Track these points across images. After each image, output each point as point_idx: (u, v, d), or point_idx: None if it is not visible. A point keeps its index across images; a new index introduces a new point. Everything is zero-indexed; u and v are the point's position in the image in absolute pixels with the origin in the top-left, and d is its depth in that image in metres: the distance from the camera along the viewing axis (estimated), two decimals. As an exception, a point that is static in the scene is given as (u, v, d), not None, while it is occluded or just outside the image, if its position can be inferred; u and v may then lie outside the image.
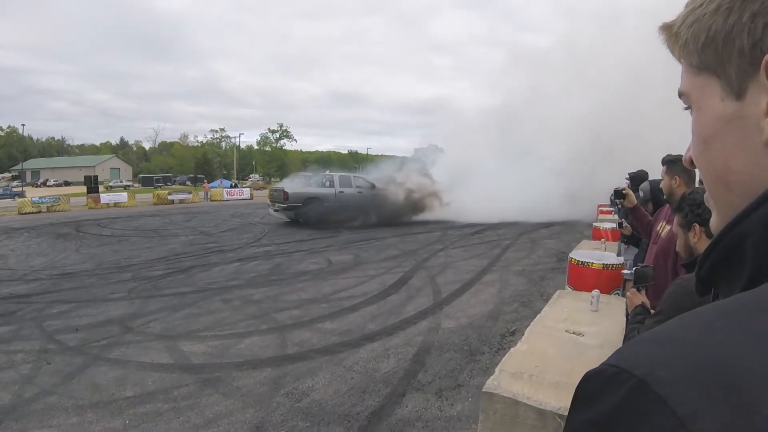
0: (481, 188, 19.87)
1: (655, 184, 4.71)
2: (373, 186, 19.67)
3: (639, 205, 4.08)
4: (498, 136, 22.88)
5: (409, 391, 4.30)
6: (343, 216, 17.01)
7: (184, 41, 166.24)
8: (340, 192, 18.62)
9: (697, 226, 2.06)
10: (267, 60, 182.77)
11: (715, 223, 0.50)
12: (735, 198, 0.45)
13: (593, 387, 0.35)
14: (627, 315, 3.77)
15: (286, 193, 17.92)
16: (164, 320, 6.28)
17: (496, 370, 2.80)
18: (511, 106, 23.64)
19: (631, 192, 4.09)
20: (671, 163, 3.39)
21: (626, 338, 2.30)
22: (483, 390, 2.59)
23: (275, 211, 18.49)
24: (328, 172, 22.43)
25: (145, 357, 5.06)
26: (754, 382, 0.29)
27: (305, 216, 17.53)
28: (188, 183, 64.58)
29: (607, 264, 4.91)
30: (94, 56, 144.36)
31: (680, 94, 0.51)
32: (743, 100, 0.43)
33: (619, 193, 4.13)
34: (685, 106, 0.50)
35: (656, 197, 4.57)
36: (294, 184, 19.88)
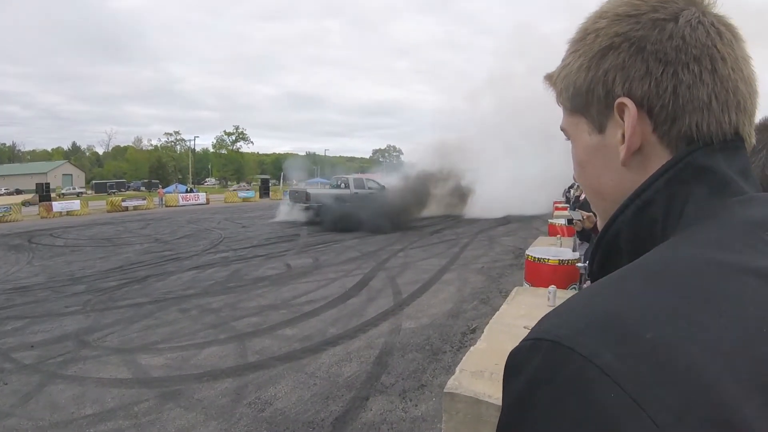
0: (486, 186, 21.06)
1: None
2: (383, 187, 20.90)
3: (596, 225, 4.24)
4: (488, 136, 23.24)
5: (372, 395, 4.30)
6: (360, 217, 16.94)
7: (138, 42, 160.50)
8: (354, 193, 19.89)
9: None
10: (224, 61, 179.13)
11: (600, 221, 0.62)
12: (608, 205, 0.58)
13: (517, 360, 0.41)
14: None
15: (308, 195, 19.37)
16: (121, 333, 6.07)
17: (457, 369, 2.83)
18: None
19: (582, 218, 4.24)
20: None
21: None
22: (445, 390, 2.61)
23: (302, 209, 19.49)
24: (342, 175, 23.92)
25: (103, 372, 4.88)
26: (633, 317, 0.37)
27: (325, 215, 18.10)
28: (143, 188, 62.65)
29: (562, 260, 5.04)
30: (46, 57, 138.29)
31: (562, 130, 0.64)
32: (604, 134, 0.56)
33: (570, 222, 4.34)
34: (566, 138, 0.63)
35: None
36: (313, 187, 22.33)
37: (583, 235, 4.96)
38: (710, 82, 0.50)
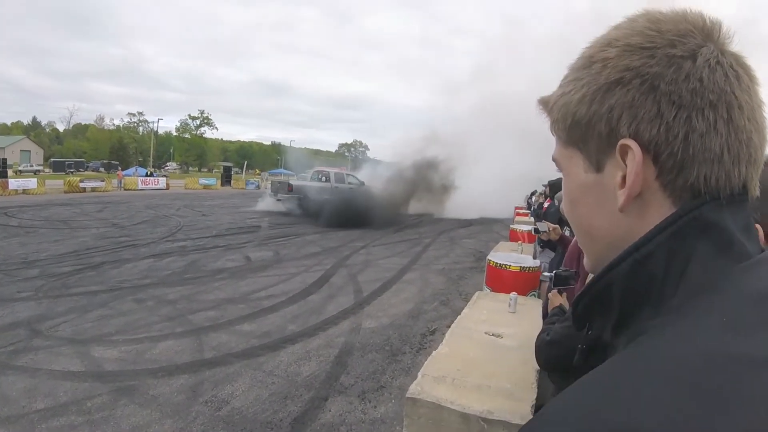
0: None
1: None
2: (362, 183, 21.38)
3: (564, 235, 4.35)
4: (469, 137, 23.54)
5: (331, 395, 4.28)
6: (339, 209, 17.01)
7: (107, 17, 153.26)
8: (335, 187, 20.32)
9: None
10: (194, 42, 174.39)
11: (587, 263, 0.60)
12: (599, 247, 0.56)
13: None
14: (544, 315, 4.00)
15: (290, 185, 20.07)
16: (74, 323, 5.84)
17: (419, 374, 2.82)
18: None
19: (549, 227, 4.34)
20: (553, 185, 3.66)
21: (541, 333, 2.43)
22: (407, 395, 2.60)
23: (278, 200, 20.40)
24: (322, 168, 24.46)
25: (55, 364, 4.68)
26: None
27: (304, 206, 18.96)
28: (102, 170, 60.43)
29: (524, 267, 5.11)
30: (10, 26, 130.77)
31: (553, 160, 0.60)
32: (602, 173, 0.52)
33: (536, 231, 4.43)
34: (557, 169, 0.60)
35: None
36: (296, 179, 22.93)
37: (548, 244, 5.06)
38: (724, 132, 0.47)
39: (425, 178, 21.74)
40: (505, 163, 22.04)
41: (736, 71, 0.48)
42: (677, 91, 0.47)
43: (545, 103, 0.59)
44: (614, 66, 0.49)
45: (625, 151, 0.49)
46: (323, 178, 21.61)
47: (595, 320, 0.55)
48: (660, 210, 0.49)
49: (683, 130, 0.47)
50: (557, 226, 4.54)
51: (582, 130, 0.53)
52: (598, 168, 0.53)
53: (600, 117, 0.50)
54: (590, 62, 0.52)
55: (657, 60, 0.48)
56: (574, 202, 0.58)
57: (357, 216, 16.30)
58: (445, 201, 22.21)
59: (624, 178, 0.49)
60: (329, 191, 19.77)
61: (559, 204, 5.17)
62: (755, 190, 0.51)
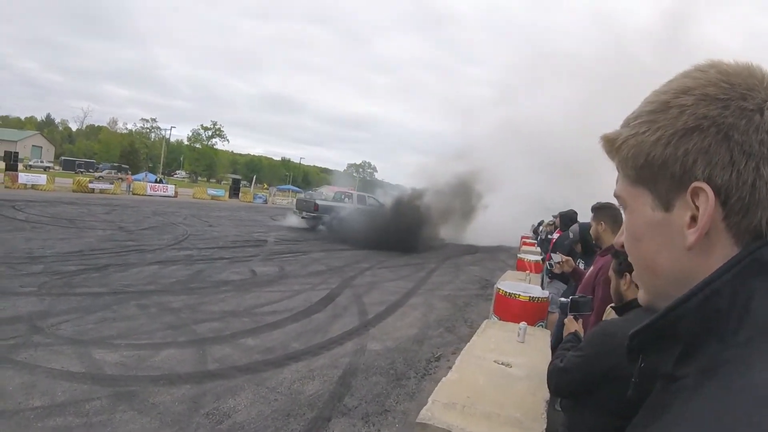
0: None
1: (584, 226, 5.00)
2: (381, 204, 21.82)
3: (576, 267, 4.36)
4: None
5: (335, 416, 4.21)
6: (360, 229, 17.39)
7: (125, 20, 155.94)
8: (357, 207, 21.10)
9: (628, 275, 2.23)
10: (208, 53, 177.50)
11: (643, 297, 0.64)
12: (660, 282, 0.59)
13: None
14: (552, 344, 3.96)
15: (316, 205, 20.76)
16: (76, 322, 5.78)
17: (429, 400, 2.80)
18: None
19: (563, 259, 4.34)
20: (598, 209, 3.67)
21: (553, 359, 2.42)
22: (417, 420, 2.58)
23: (303, 217, 21.08)
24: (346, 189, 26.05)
25: (54, 363, 4.62)
26: None
27: (329, 225, 19.91)
28: (111, 172, 60.91)
29: (533, 297, 5.08)
30: (30, 19, 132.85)
31: (616, 197, 0.64)
32: (671, 212, 0.56)
33: (550, 264, 4.46)
34: (620, 205, 0.64)
35: (584, 239, 4.85)
36: (319, 198, 23.18)
37: (560, 276, 5.04)
38: None
39: (455, 202, 21.56)
40: (520, 190, 22.14)
41: None
42: (748, 142, 0.51)
43: (611, 142, 0.62)
44: (692, 114, 0.53)
45: (696, 193, 0.52)
46: (345, 198, 22.60)
47: (651, 353, 0.58)
48: (724, 249, 0.53)
49: (751, 177, 0.51)
50: (570, 258, 4.52)
51: (654, 170, 0.56)
52: (667, 207, 0.56)
53: (675, 159, 0.54)
54: (666, 107, 0.55)
55: (731, 111, 0.52)
56: (638, 238, 0.61)
57: (399, 239, 16.46)
58: (465, 227, 22.14)
59: (693, 218, 0.53)
60: (354, 212, 20.30)
61: (573, 237, 5.16)
62: None
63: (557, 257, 4.47)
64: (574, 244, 5.20)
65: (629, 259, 0.64)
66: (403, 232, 16.85)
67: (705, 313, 0.51)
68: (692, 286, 0.53)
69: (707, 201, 0.51)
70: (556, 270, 4.53)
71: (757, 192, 0.51)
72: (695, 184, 0.52)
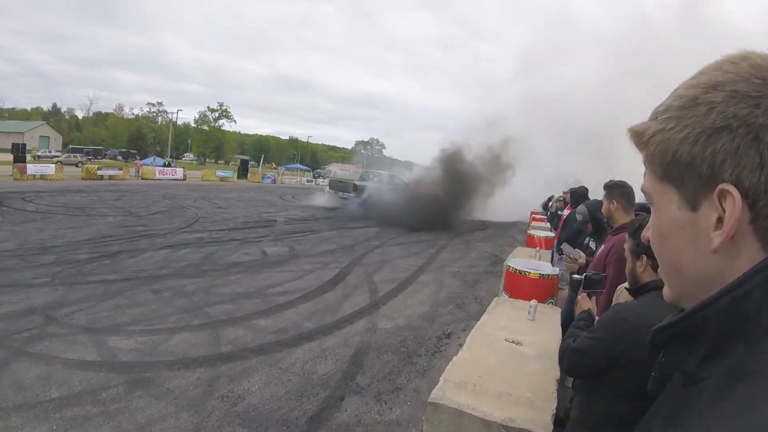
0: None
1: (592, 205, 4.96)
2: (406, 184, 22.24)
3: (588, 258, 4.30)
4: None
5: (347, 395, 4.26)
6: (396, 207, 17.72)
7: (130, 6, 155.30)
8: (387, 186, 22.06)
9: (645, 257, 2.19)
10: (216, 35, 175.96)
11: (668, 294, 0.62)
12: (684, 281, 0.58)
13: None
14: (563, 322, 3.95)
15: (355, 185, 21.77)
16: (90, 311, 5.85)
17: (441, 379, 2.82)
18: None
19: (576, 258, 4.26)
20: (611, 188, 3.61)
21: (565, 338, 2.42)
22: (429, 400, 2.60)
23: (343, 198, 21.90)
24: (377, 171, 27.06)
25: (70, 353, 4.69)
26: None
27: (365, 204, 20.32)
28: (119, 158, 61.09)
29: (543, 274, 5.08)
30: (34, 13, 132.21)
31: (643, 191, 0.63)
32: (697, 212, 0.54)
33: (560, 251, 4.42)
34: (647, 201, 0.63)
35: (595, 218, 4.80)
36: (356, 179, 24.72)
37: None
38: None
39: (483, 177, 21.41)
40: (538, 165, 21.94)
41: None
42: None
43: (638, 135, 0.59)
44: (721, 112, 0.51)
45: (724, 195, 0.51)
46: (375, 179, 23.82)
47: (674, 350, 0.58)
48: (750, 253, 0.51)
49: None
50: (582, 258, 4.38)
51: (681, 168, 0.54)
52: (694, 207, 0.54)
53: (703, 159, 0.52)
54: (695, 103, 0.53)
55: (763, 110, 0.49)
56: (664, 236, 0.60)
57: (440, 219, 16.63)
58: (488, 203, 21.57)
59: (719, 219, 0.51)
60: (385, 191, 21.15)
61: (583, 218, 5.10)
62: None
63: (568, 249, 4.40)
64: (584, 225, 5.16)
65: (655, 255, 0.63)
66: (441, 209, 17.03)
67: (733, 316, 0.50)
68: (717, 287, 0.52)
69: (734, 204, 0.50)
70: (567, 264, 4.45)
71: None
72: (722, 185, 0.50)
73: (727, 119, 0.50)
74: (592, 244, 4.86)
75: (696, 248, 0.55)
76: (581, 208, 5.26)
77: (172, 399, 3.98)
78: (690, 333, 0.55)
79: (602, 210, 3.78)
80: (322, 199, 23.62)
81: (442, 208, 17.56)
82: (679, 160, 0.54)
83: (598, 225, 4.82)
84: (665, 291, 0.63)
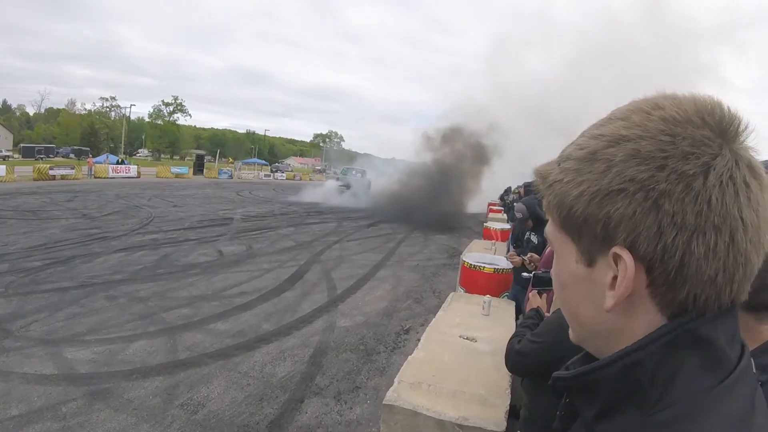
0: None
1: (530, 201, 5.12)
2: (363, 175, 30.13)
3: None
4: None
5: (307, 396, 4.31)
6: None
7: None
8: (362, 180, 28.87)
9: None
10: (172, 27, 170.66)
11: (572, 336, 0.61)
12: (584, 332, 0.57)
13: None
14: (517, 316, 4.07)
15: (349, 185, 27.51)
16: (45, 322, 5.69)
17: (395, 380, 2.89)
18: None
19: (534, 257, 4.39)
20: None
21: (512, 337, 2.49)
22: (383, 402, 2.66)
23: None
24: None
25: (27, 367, 4.56)
26: None
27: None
28: (72, 156, 58.60)
29: (498, 268, 5.21)
30: None
31: (546, 236, 0.61)
32: (593, 268, 0.52)
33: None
34: (548, 245, 0.62)
35: (534, 214, 4.97)
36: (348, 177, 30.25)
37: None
38: (723, 255, 0.46)
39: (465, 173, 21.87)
40: (510, 154, 22.37)
41: (748, 184, 0.47)
42: (681, 212, 0.46)
43: (542, 177, 0.57)
44: (618, 174, 0.48)
45: (617, 257, 0.48)
46: (359, 175, 30.58)
47: (575, 399, 0.57)
48: (647, 314, 0.50)
49: (680, 252, 0.46)
50: (532, 258, 4.52)
51: (577, 224, 0.52)
52: (590, 262, 0.52)
53: (596, 220, 0.49)
54: (594, 158, 0.50)
55: (666, 174, 0.46)
56: (563, 286, 0.58)
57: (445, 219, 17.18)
58: (466, 197, 21.87)
59: (615, 278, 0.49)
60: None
61: (522, 215, 5.24)
62: (744, 296, 0.51)
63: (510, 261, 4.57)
64: (525, 222, 5.32)
65: (558, 300, 0.62)
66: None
67: (624, 383, 0.49)
68: (614, 342, 0.52)
69: (626, 269, 0.47)
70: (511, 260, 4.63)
71: (685, 268, 0.46)
72: (615, 249, 0.48)
73: (623, 182, 0.47)
74: (534, 238, 5.02)
75: (592, 303, 0.53)
76: (519, 206, 5.42)
77: (132, 410, 3.93)
78: (584, 391, 0.54)
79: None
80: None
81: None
82: (574, 215, 0.51)
83: (538, 220, 4.98)
84: (570, 333, 0.61)
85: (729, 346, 0.50)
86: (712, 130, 0.47)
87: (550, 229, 0.58)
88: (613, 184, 0.48)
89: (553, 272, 0.61)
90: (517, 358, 2.27)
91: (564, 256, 0.56)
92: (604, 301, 0.50)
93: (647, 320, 0.50)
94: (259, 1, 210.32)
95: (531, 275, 3.05)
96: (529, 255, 4.55)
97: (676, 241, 0.46)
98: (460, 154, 21.46)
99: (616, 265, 0.49)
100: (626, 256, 0.47)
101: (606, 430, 0.51)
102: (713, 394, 0.47)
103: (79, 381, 4.37)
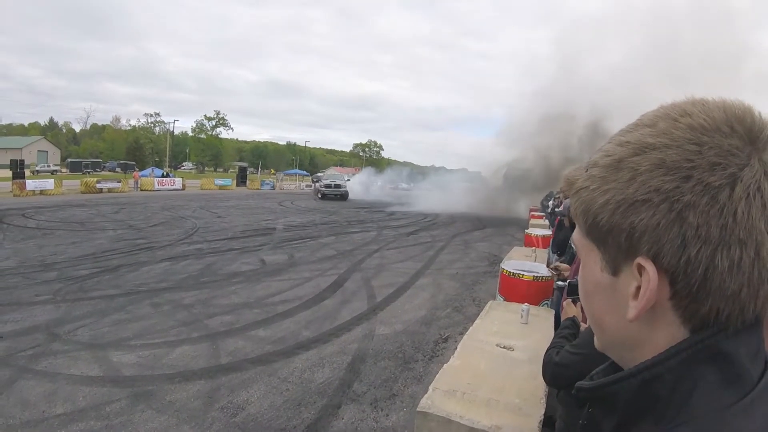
0: None
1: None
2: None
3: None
4: None
5: (344, 402, 4.34)
6: None
7: (121, 18, 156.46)
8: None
9: None
10: (207, 44, 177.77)
11: (597, 343, 0.61)
12: (607, 338, 0.57)
13: None
14: (556, 325, 3.99)
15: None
16: (92, 327, 5.94)
17: (430, 387, 2.88)
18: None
19: (563, 266, 4.29)
20: None
21: (549, 349, 2.44)
22: (417, 409, 2.66)
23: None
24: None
25: (74, 369, 4.78)
26: None
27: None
28: (118, 170, 61.25)
29: (537, 276, 5.13)
30: (26, 28, 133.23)
31: (572, 242, 0.63)
32: (618, 277, 0.52)
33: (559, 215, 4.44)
34: (574, 250, 0.62)
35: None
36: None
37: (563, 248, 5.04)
38: (748, 270, 0.45)
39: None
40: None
41: None
42: (706, 225, 0.45)
43: (570, 183, 0.60)
44: (643, 183, 0.48)
45: (641, 268, 0.48)
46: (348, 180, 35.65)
47: (595, 410, 0.57)
48: (669, 326, 0.50)
49: (704, 266, 0.45)
50: (558, 267, 4.42)
51: (602, 233, 0.52)
52: (614, 271, 0.52)
53: (621, 230, 0.49)
54: (619, 165, 0.50)
55: (691, 186, 0.45)
56: (588, 294, 0.58)
57: None
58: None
59: (638, 288, 0.49)
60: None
61: (562, 209, 5.12)
62: None
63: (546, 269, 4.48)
64: (563, 217, 5.20)
65: (584, 307, 0.61)
66: None
67: (643, 396, 0.49)
68: (637, 352, 0.52)
69: (649, 281, 0.47)
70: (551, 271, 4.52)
71: (708, 282, 0.46)
72: (639, 260, 0.48)
73: (648, 192, 0.47)
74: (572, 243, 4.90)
75: (616, 312, 0.53)
76: (567, 201, 5.32)
77: (173, 411, 4.06)
78: (604, 402, 0.54)
79: None
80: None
81: None
82: (599, 224, 0.51)
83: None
84: (595, 341, 0.61)
85: (751, 363, 0.49)
86: (740, 138, 0.47)
87: (576, 236, 0.59)
88: (638, 194, 0.48)
89: (579, 279, 0.61)
90: (556, 370, 2.22)
91: (589, 264, 0.56)
92: (627, 311, 0.50)
93: (669, 332, 0.50)
94: (289, 14, 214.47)
95: (566, 283, 2.98)
96: (553, 264, 4.47)
97: (700, 254, 0.45)
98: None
99: (640, 275, 0.49)
100: (649, 268, 0.47)
101: None
102: (731, 411, 0.46)
103: (123, 383, 4.54)
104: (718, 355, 0.47)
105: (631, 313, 0.50)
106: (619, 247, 0.50)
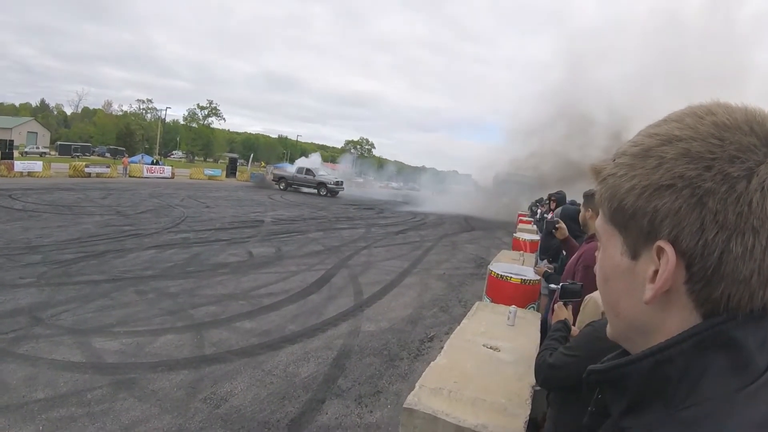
0: None
1: (567, 210, 5.05)
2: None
3: (570, 236, 4.35)
4: None
5: (329, 398, 4.33)
6: None
7: (119, 1, 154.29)
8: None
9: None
10: (205, 32, 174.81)
11: (609, 331, 0.63)
12: (621, 323, 0.59)
13: None
14: (542, 330, 4.02)
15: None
16: (75, 312, 5.86)
17: (417, 385, 2.88)
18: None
19: (563, 225, 4.33)
20: (588, 197, 3.70)
21: (541, 350, 2.46)
22: (404, 405, 2.65)
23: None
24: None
25: (56, 354, 4.71)
26: None
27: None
28: (108, 155, 60.53)
29: (525, 279, 5.16)
30: (23, 6, 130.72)
31: (595, 228, 0.64)
32: (637, 261, 0.54)
33: (551, 225, 4.42)
34: (596, 239, 0.63)
35: (566, 223, 4.90)
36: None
37: (551, 255, 5.08)
38: (759, 257, 0.48)
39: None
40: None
41: None
42: (723, 212, 0.48)
43: (596, 172, 0.60)
44: (668, 170, 0.51)
45: (660, 251, 0.51)
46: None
47: (604, 393, 0.59)
48: (682, 311, 0.52)
49: (719, 250, 0.48)
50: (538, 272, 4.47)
51: (625, 217, 0.55)
52: (634, 255, 0.55)
53: (644, 213, 0.52)
54: (646, 154, 0.53)
55: (713, 174, 0.49)
56: (606, 278, 0.61)
57: None
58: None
59: (656, 272, 0.51)
60: None
61: (553, 217, 5.16)
62: None
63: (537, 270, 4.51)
64: (556, 225, 5.26)
65: (600, 296, 0.64)
66: None
67: (654, 378, 0.51)
68: (650, 336, 0.54)
69: (667, 262, 0.50)
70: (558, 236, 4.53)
71: (723, 266, 0.48)
72: (659, 242, 0.51)
73: (672, 178, 0.50)
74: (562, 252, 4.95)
75: (632, 296, 0.55)
76: (558, 209, 5.37)
77: (155, 401, 4.02)
78: (614, 385, 0.56)
79: (579, 217, 3.87)
80: None
81: None
82: (624, 208, 0.54)
83: (569, 230, 4.91)
84: (608, 328, 0.63)
85: (758, 352, 0.50)
86: (759, 138, 0.50)
87: (599, 222, 0.61)
88: (663, 179, 0.51)
89: (597, 265, 0.64)
90: (550, 372, 2.22)
91: (609, 249, 0.59)
92: (644, 294, 0.53)
93: (682, 317, 0.52)
94: (288, 8, 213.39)
95: (559, 286, 3.00)
96: (536, 268, 4.52)
97: (716, 238, 0.48)
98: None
99: (659, 259, 0.51)
100: (669, 250, 0.50)
101: (632, 425, 0.53)
102: (737, 397, 0.48)
103: (106, 370, 4.49)
104: (728, 341, 0.50)
105: (648, 294, 0.52)
106: (640, 230, 0.53)
